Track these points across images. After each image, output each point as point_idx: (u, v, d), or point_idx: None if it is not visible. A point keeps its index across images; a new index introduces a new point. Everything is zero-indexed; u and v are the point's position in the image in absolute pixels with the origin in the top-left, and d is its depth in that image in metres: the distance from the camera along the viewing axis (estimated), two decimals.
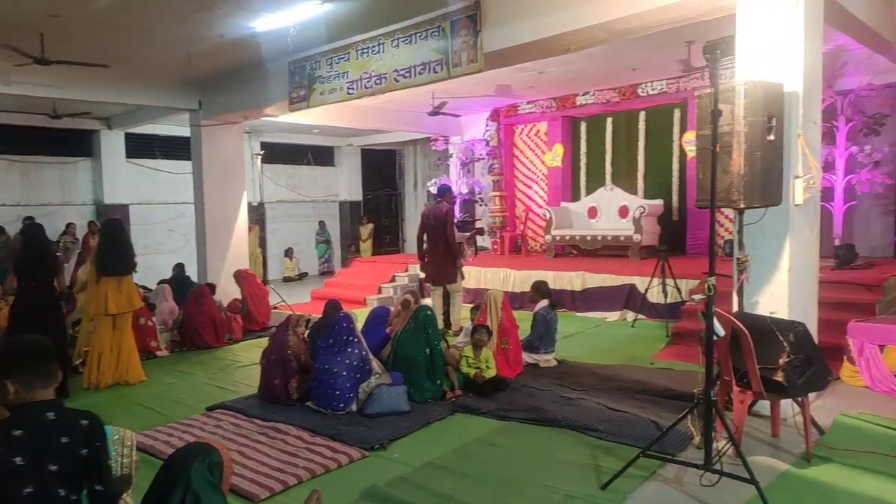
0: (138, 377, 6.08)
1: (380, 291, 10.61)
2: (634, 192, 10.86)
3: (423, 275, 8.27)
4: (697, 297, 3.53)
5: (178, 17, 6.40)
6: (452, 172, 13.36)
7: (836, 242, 8.02)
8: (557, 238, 10.83)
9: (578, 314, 8.82)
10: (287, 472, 3.80)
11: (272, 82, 8.17)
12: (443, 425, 4.64)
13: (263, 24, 6.74)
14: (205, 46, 7.44)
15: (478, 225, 11.59)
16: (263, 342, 5.85)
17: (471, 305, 7.34)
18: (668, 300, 7.67)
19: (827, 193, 8.28)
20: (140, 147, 12.97)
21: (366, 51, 6.69)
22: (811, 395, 4.17)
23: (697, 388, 4.69)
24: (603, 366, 6.03)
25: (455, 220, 7.94)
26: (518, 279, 9.58)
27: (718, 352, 4.02)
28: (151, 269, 11.11)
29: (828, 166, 8.12)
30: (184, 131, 10.55)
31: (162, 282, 9.05)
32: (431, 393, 5.08)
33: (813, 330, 4.74)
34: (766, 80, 3.94)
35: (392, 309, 6.25)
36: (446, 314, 7.65)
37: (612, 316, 8.49)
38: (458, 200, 12.37)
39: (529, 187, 12.57)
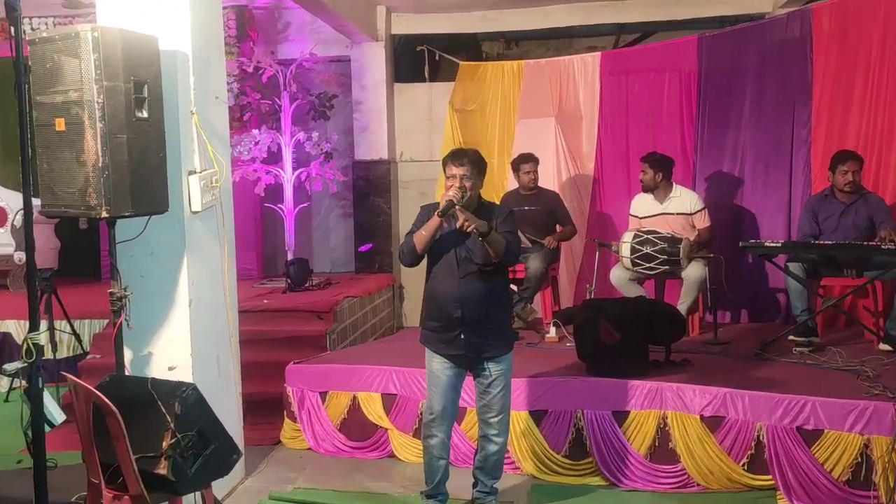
0: None
1: None
2: (18, 188, 10.02)
3: None
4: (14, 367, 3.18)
5: None
6: None
7: (290, 256, 8.78)
8: None
9: None
10: None
11: None
12: None
13: None
14: None
15: None
16: None
17: None
18: (65, 353, 7.38)
19: (277, 193, 9.04)
20: None
21: None
22: (219, 483, 4.24)
23: (78, 496, 4.42)
24: None
25: None
26: None
27: (81, 441, 3.74)
28: None
29: (274, 157, 8.85)
30: None
31: None
32: None
33: (235, 381, 4.95)
34: (131, 30, 3.85)
35: None
36: None
37: None
38: None
39: None
